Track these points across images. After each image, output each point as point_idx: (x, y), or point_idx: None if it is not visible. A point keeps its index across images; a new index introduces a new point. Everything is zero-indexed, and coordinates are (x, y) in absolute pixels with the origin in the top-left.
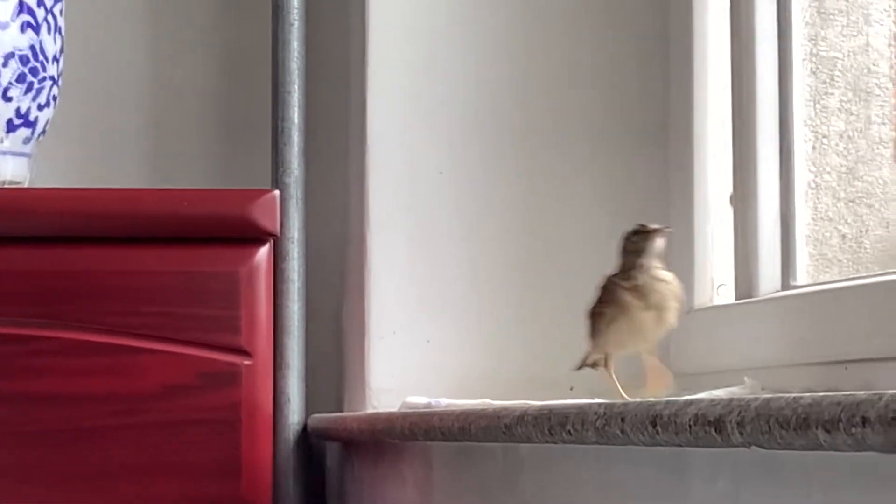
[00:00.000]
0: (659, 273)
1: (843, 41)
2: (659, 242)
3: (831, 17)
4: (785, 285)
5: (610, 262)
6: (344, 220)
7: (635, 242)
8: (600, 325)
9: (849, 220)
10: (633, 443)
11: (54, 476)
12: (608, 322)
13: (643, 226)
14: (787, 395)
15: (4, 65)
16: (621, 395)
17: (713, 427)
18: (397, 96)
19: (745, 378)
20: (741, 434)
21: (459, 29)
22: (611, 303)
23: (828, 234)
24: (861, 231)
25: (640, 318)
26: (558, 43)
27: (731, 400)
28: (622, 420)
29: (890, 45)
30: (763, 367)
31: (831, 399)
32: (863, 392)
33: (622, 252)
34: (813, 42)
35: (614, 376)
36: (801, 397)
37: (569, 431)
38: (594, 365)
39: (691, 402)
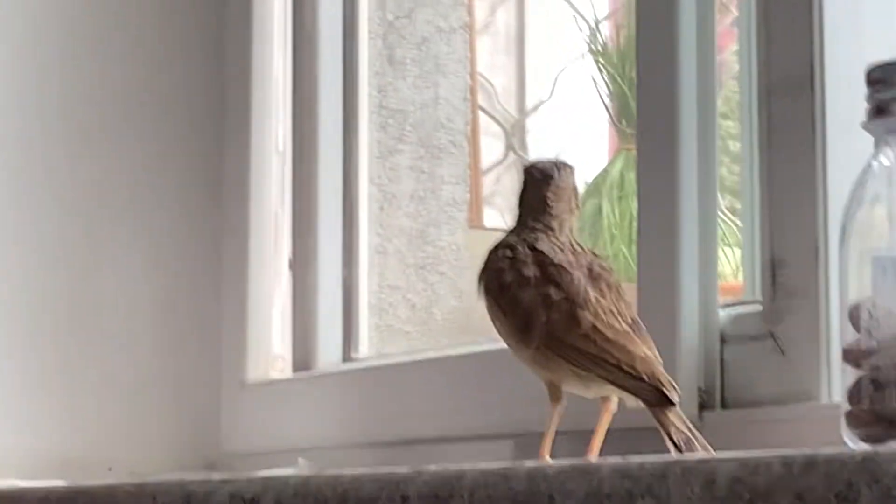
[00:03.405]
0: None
1: (414, 93)
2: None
3: (402, 66)
4: (346, 358)
5: (157, 340)
6: None
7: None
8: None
9: (418, 289)
10: None
11: None
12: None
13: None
14: (328, 473)
15: None
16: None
17: None
18: None
19: (300, 459)
20: None
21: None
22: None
23: (395, 303)
24: (432, 300)
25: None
26: (108, 97)
27: (267, 478)
28: (154, 499)
29: (465, 98)
30: (322, 448)
31: (371, 476)
32: (404, 468)
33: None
34: (382, 93)
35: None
36: (342, 475)
37: None
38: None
39: (227, 481)
